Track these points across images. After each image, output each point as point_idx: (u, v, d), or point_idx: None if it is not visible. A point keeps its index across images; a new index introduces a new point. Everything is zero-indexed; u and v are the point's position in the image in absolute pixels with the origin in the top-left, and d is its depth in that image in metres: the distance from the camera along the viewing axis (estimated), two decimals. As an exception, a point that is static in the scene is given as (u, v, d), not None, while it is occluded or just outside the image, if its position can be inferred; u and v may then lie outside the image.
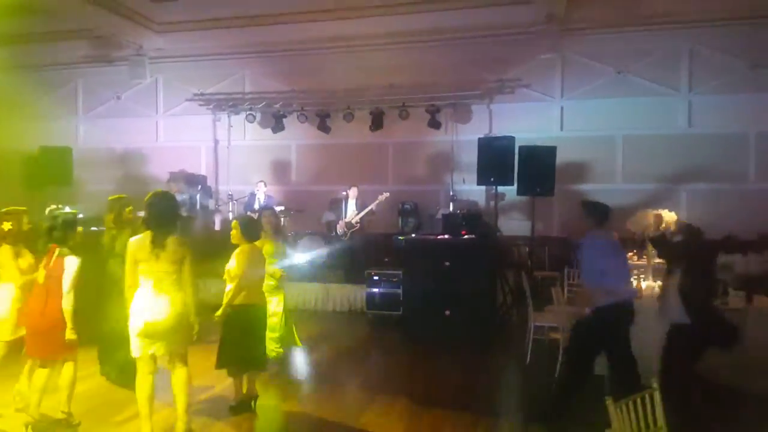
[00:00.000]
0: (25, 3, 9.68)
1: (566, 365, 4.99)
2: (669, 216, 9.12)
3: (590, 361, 4.73)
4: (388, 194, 9.83)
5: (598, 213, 4.90)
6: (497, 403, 5.39)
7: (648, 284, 6.45)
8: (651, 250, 7.35)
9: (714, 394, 4.88)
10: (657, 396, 2.98)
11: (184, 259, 4.22)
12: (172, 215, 4.35)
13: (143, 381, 4.24)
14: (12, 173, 11.66)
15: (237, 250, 5.07)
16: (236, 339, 4.96)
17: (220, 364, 5.07)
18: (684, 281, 4.71)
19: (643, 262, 7.53)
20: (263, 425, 4.95)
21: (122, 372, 5.38)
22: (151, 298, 4.12)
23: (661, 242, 5.26)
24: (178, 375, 4.33)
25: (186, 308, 4.23)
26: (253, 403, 5.13)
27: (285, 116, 11.44)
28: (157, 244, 4.12)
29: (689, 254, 4.90)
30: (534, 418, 4.86)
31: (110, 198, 6.04)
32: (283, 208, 10.40)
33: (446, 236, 8.00)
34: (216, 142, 12.22)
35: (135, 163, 12.61)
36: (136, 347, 4.17)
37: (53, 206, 9.20)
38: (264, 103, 11.56)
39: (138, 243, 4.18)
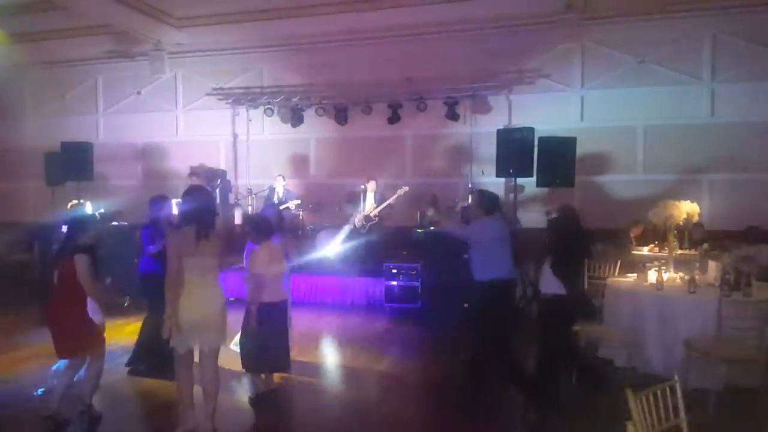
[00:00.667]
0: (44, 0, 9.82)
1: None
2: (691, 207, 8.97)
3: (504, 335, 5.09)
4: (407, 188, 9.80)
5: (486, 202, 5.17)
6: (517, 395, 5.34)
7: (670, 276, 6.37)
8: (673, 241, 7.25)
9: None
10: (678, 388, 2.95)
11: (222, 252, 4.26)
12: (211, 209, 4.35)
13: (186, 376, 4.24)
14: (35, 169, 11.91)
15: (253, 250, 5.08)
16: (260, 338, 4.98)
17: (246, 365, 5.10)
18: (554, 258, 5.00)
19: (665, 254, 7.43)
20: (283, 418, 4.98)
21: (152, 365, 5.46)
22: (198, 292, 4.09)
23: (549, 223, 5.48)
24: (211, 371, 4.24)
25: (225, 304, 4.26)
26: (272, 396, 5.18)
27: (303, 110, 11.45)
28: (202, 236, 4.09)
29: (560, 232, 5.17)
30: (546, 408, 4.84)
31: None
32: (300, 201, 10.45)
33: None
34: (235, 136, 12.28)
35: (155, 157, 12.75)
36: (181, 342, 4.10)
37: (74, 201, 9.43)
38: (282, 96, 11.58)
39: (181, 236, 4.12)
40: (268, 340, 4.98)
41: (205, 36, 11.35)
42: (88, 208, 8.86)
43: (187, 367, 4.24)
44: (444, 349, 6.92)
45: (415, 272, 8.55)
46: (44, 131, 13.11)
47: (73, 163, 11.01)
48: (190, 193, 4.35)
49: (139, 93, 12.90)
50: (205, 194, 4.47)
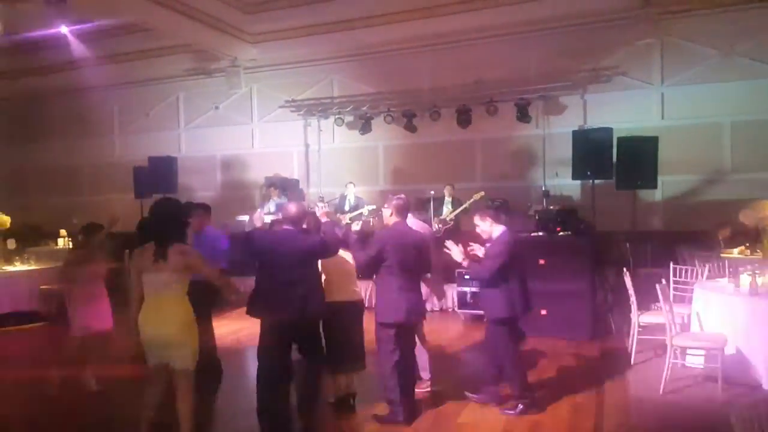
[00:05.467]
0: (130, 22, 10.41)
1: None
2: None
3: None
4: (483, 193, 9.70)
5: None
6: (602, 409, 5.13)
7: (764, 280, 5.97)
8: (767, 243, 6.82)
9: None
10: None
11: (190, 268, 4.02)
12: (173, 223, 4.13)
13: (150, 392, 4.12)
14: (123, 182, 12.61)
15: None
16: (336, 338, 5.05)
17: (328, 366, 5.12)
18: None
19: (758, 256, 6.99)
20: (362, 423, 4.97)
21: None
22: (155, 308, 3.98)
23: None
24: (181, 392, 4.06)
25: (192, 322, 4.05)
26: (351, 400, 5.21)
27: (372, 118, 11.58)
28: (159, 254, 3.94)
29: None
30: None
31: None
32: (374, 207, 10.52)
33: (540, 233, 7.80)
34: (307, 146, 12.56)
35: (233, 169, 13.23)
36: (149, 357, 4.08)
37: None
38: (352, 106, 11.76)
39: (141, 253, 4.05)
40: (344, 339, 5.04)
41: (278, 51, 11.74)
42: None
43: (154, 384, 4.13)
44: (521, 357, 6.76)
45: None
46: (131, 147, 13.91)
47: (159, 176, 11.58)
48: (152, 206, 4.23)
49: (217, 108, 13.43)
50: (168, 207, 4.23)
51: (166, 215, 4.15)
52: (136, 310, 4.05)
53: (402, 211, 5.01)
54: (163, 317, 3.95)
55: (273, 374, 4.74)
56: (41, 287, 9.05)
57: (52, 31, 10.71)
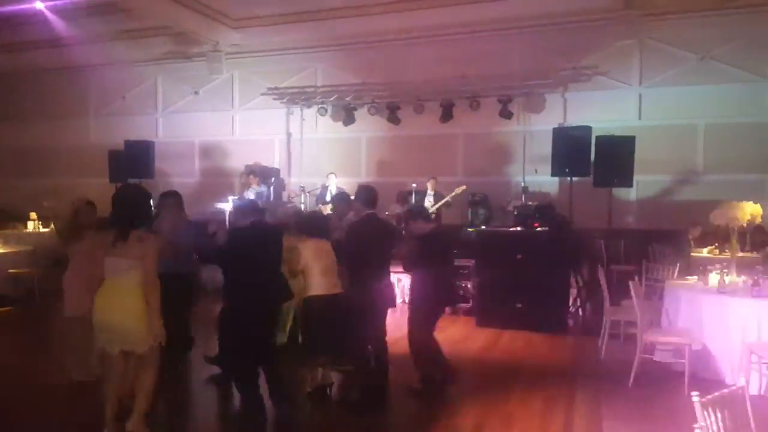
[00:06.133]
0: (108, 2, 10.20)
1: None
2: (754, 208, 8.65)
3: None
4: (465, 187, 9.81)
5: (364, 196, 5.18)
6: (572, 402, 5.27)
7: (731, 279, 6.17)
8: (735, 243, 7.03)
9: None
10: (747, 395, 2.87)
11: (145, 257, 4.00)
12: (134, 209, 4.15)
13: (110, 376, 4.17)
14: (98, 166, 12.41)
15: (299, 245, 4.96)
16: (311, 331, 4.95)
17: (307, 360, 5.06)
18: None
19: (726, 256, 7.21)
20: (340, 413, 5.04)
21: None
22: (107, 294, 4.05)
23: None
24: (139, 377, 4.15)
25: (146, 308, 4.00)
26: (328, 389, 5.27)
27: (356, 109, 11.58)
28: (117, 238, 4.00)
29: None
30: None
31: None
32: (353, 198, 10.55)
33: (518, 228, 7.93)
34: (289, 135, 12.51)
35: (212, 155, 13.10)
36: (99, 342, 4.13)
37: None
38: (335, 96, 11.73)
39: (102, 237, 4.15)
40: (328, 333, 5.03)
41: (261, 37, 11.61)
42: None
43: (111, 369, 4.17)
44: (495, 349, 6.89)
45: (466, 271, 8.53)
46: (106, 130, 13.63)
47: (136, 161, 11.41)
48: (117, 192, 4.34)
49: (196, 93, 13.27)
50: (130, 193, 4.33)
51: (129, 200, 4.18)
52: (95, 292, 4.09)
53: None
54: (113, 303, 3.99)
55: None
56: (9, 271, 8.91)
57: (27, 6, 10.43)
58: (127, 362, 4.19)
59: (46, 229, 11.24)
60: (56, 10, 10.66)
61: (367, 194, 5.17)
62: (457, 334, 7.45)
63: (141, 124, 13.37)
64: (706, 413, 2.63)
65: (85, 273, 5.21)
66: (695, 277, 6.61)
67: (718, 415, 2.72)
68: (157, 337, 4.03)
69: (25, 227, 11.63)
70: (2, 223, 11.77)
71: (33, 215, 11.74)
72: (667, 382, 5.48)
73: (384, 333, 5.19)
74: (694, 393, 2.53)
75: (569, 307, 7.96)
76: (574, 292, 8.25)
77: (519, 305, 7.44)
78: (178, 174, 12.90)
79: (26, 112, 14.56)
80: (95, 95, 14.28)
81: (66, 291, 5.32)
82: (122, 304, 3.98)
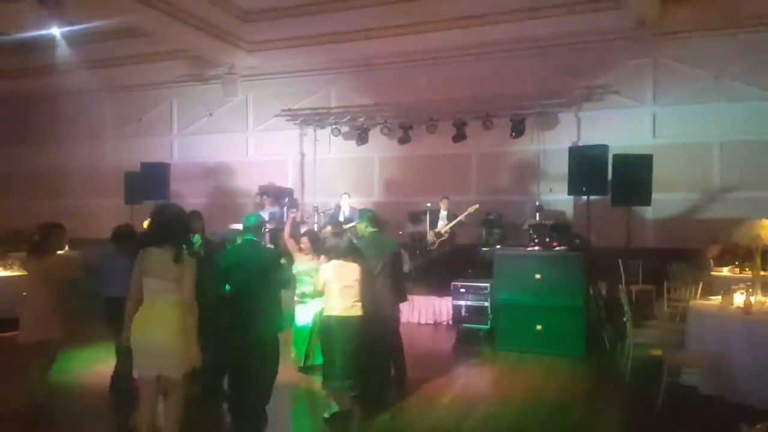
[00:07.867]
0: (125, 26, 10.35)
1: None
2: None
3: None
4: (478, 206, 9.81)
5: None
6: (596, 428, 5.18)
7: (758, 299, 6.09)
8: (759, 262, 6.94)
9: None
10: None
11: (182, 278, 3.90)
12: (178, 228, 4.04)
13: (144, 403, 3.96)
14: (114, 187, 12.50)
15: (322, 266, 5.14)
16: (325, 353, 5.07)
17: (326, 383, 5.11)
18: None
19: (747, 275, 7.12)
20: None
21: None
22: (146, 315, 3.87)
23: None
24: (168, 404, 4.02)
25: (185, 331, 3.90)
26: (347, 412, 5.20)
27: (369, 129, 11.63)
28: (176, 259, 3.87)
29: None
30: None
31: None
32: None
33: (536, 248, 7.88)
34: (302, 155, 12.58)
35: (226, 176, 13.17)
36: (136, 366, 3.93)
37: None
38: (349, 116, 11.80)
39: (148, 256, 3.91)
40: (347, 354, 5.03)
41: (276, 59, 11.73)
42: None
43: (146, 394, 3.97)
44: (515, 373, 6.80)
45: (484, 292, 8.46)
46: (122, 152, 13.77)
47: (151, 182, 11.50)
48: (159, 210, 4.13)
49: (211, 114, 13.39)
50: (178, 211, 4.16)
51: (175, 219, 4.07)
52: (131, 314, 3.90)
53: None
54: (158, 324, 3.82)
55: None
56: (24, 294, 8.88)
57: (44, 32, 10.58)
58: (158, 388, 4.03)
59: (61, 252, 11.25)
60: (73, 36, 10.82)
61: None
62: (475, 358, 7.40)
63: (156, 146, 13.49)
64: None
65: (41, 297, 5.20)
66: (718, 297, 6.51)
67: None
68: (192, 361, 3.93)
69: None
70: (18, 245, 11.81)
71: (49, 237, 11.76)
72: (695, 407, 5.37)
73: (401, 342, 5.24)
74: (743, 424, 2.48)
75: (589, 329, 7.85)
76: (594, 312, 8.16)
77: (538, 327, 7.35)
78: (192, 195, 12.92)
79: (43, 135, 14.74)
80: (111, 117, 14.44)
81: (22, 316, 5.20)
82: (161, 326, 3.83)
